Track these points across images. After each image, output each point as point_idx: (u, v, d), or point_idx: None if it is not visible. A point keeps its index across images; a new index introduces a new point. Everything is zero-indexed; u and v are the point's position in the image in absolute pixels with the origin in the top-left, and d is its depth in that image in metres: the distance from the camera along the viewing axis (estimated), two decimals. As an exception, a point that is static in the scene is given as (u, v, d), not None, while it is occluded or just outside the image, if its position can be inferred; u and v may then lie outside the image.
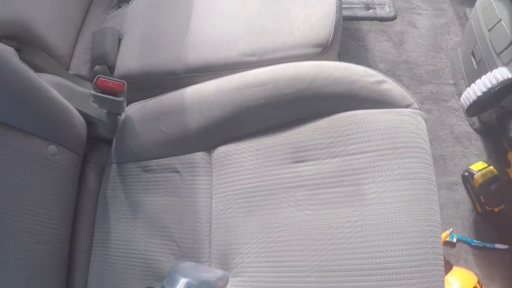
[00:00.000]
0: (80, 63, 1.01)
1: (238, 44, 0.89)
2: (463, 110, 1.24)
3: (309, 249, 0.62)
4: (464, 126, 1.25)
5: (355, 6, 1.48)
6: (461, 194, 1.16)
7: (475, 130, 1.23)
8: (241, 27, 0.91)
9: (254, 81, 0.72)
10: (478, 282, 0.97)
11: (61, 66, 0.96)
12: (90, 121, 0.84)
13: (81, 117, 0.81)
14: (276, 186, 0.69)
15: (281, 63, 0.74)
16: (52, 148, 0.74)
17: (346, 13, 1.44)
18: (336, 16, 0.86)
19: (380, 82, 0.67)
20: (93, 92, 0.77)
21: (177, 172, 0.79)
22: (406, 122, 0.65)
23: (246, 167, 0.72)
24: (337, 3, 0.88)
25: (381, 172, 0.62)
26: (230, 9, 0.94)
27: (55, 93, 0.74)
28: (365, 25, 1.45)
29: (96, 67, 0.99)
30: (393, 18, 1.45)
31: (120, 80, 0.78)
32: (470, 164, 1.17)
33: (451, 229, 1.12)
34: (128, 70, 0.97)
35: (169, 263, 0.73)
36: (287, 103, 0.70)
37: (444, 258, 0.64)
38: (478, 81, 0.92)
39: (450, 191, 1.17)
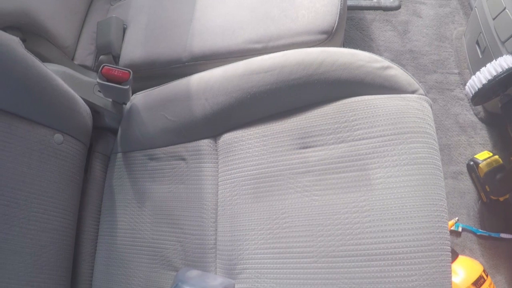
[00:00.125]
0: (85, 53, 1.01)
1: (243, 32, 0.88)
2: (468, 98, 1.24)
3: (316, 235, 0.62)
4: (469, 115, 1.24)
5: (359, -5, 1.48)
6: (466, 183, 1.16)
7: (480, 119, 1.23)
8: (246, 15, 0.90)
9: (260, 67, 0.72)
10: (484, 271, 0.97)
11: (66, 56, 0.96)
12: (95, 111, 0.85)
13: (86, 106, 0.81)
14: (282, 172, 0.68)
15: (286, 50, 0.73)
16: (58, 136, 0.74)
17: (350, 2, 1.44)
18: (341, 3, 0.85)
19: (386, 67, 0.67)
20: (98, 80, 0.77)
21: (183, 159, 0.79)
22: (412, 107, 0.64)
23: (252, 153, 0.72)
24: (341, -10, 0.87)
25: (387, 157, 0.61)
26: (235, -3, 0.94)
27: (60, 82, 0.74)
28: (369, 15, 1.44)
29: (101, 57, 0.99)
30: (397, 8, 1.44)
31: (126, 69, 0.78)
32: (475, 154, 1.17)
33: (457, 218, 1.12)
34: (133, 59, 0.97)
35: (175, 251, 0.74)
36: (293, 89, 0.70)
37: (450, 247, 0.64)
38: (483, 69, 0.91)
39: (455, 181, 1.16)
